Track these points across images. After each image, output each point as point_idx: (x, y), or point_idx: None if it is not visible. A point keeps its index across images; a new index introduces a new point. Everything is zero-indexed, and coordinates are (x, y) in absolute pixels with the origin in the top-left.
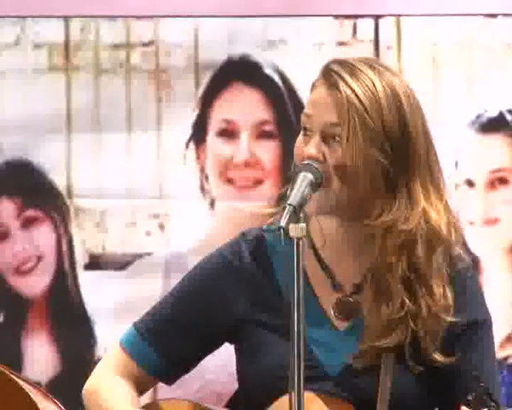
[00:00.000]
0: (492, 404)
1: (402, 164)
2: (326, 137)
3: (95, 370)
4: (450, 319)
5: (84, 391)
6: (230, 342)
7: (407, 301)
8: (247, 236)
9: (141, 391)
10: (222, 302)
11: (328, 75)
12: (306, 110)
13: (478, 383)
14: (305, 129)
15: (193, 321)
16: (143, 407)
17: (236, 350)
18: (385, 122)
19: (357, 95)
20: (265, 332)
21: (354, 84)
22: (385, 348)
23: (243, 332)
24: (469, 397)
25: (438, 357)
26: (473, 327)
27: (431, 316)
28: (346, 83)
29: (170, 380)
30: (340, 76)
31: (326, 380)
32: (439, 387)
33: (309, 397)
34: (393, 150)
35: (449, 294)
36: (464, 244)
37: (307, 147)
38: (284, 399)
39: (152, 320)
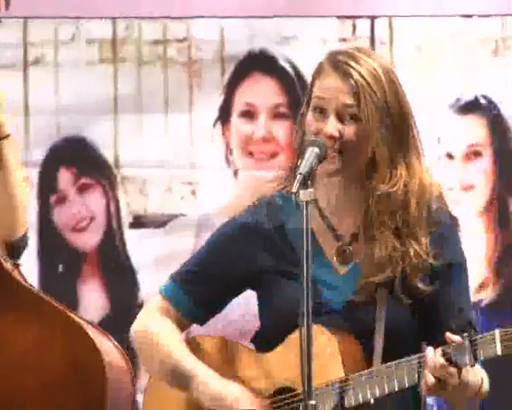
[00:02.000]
0: (471, 330)
1: (400, 137)
2: (341, 117)
3: (138, 316)
4: (432, 261)
5: (133, 332)
6: (252, 289)
7: (397, 246)
8: (262, 201)
9: (180, 330)
10: (243, 257)
11: (337, 65)
12: (321, 94)
13: (460, 313)
14: (321, 110)
15: (219, 274)
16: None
17: (258, 295)
18: (387, 98)
19: (366, 80)
20: (279, 278)
21: (361, 70)
22: (379, 284)
23: (262, 280)
24: (453, 326)
25: (421, 286)
26: (452, 267)
27: (417, 258)
28: (355, 70)
29: (201, 321)
30: (348, 65)
31: (331, 314)
32: (424, 317)
33: (317, 329)
34: (394, 126)
35: (432, 240)
36: (444, 201)
37: (326, 126)
38: (294, 335)
39: (186, 273)
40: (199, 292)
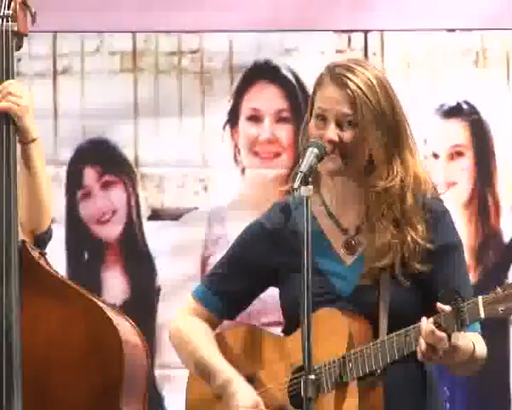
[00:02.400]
0: (458, 298)
1: (395, 139)
2: (340, 124)
3: (176, 315)
4: (428, 245)
5: (170, 333)
6: (274, 286)
7: (396, 234)
8: (277, 206)
9: (212, 328)
10: (262, 258)
11: (336, 77)
12: (321, 104)
13: (448, 284)
14: (322, 117)
15: (244, 275)
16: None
17: (279, 289)
18: (381, 104)
19: (362, 90)
20: (293, 274)
21: (358, 81)
22: (381, 269)
23: (279, 276)
24: (439, 294)
25: (419, 267)
26: (446, 249)
27: (414, 243)
28: (353, 82)
29: (231, 317)
30: (345, 76)
31: (341, 300)
32: (424, 296)
33: (330, 313)
34: (388, 129)
35: (427, 226)
36: (436, 191)
37: (327, 132)
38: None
39: (214, 275)
40: (226, 292)
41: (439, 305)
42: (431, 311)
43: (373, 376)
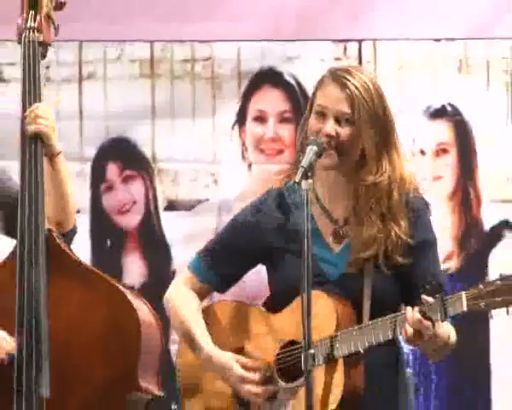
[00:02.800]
0: (441, 291)
1: (385, 138)
2: (338, 121)
3: (171, 285)
4: (409, 239)
5: (164, 299)
6: (262, 264)
7: (381, 228)
8: (271, 192)
9: (201, 298)
10: (256, 238)
11: (336, 78)
12: (322, 102)
13: (432, 280)
14: (322, 113)
15: (236, 251)
16: (203, 309)
17: (267, 268)
18: (375, 106)
19: (360, 92)
20: (285, 255)
21: (356, 83)
22: (366, 259)
23: (271, 256)
24: (427, 287)
25: (400, 259)
26: (424, 244)
27: (397, 238)
28: (352, 84)
29: (222, 290)
30: (345, 78)
31: (329, 284)
32: (404, 285)
33: (318, 295)
34: (380, 129)
35: (409, 223)
36: (418, 191)
37: (325, 127)
38: (298, 299)
39: (209, 250)
40: (219, 266)
41: (423, 297)
42: (408, 300)
43: (357, 355)
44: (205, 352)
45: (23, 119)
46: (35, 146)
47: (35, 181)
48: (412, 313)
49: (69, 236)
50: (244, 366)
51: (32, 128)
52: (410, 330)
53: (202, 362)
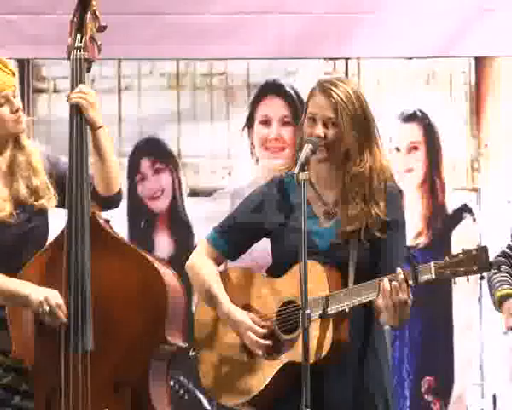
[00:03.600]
0: (414, 262)
1: (365, 136)
2: (326, 124)
3: (192, 254)
4: (385, 218)
5: (186, 265)
6: (266, 237)
7: (364, 208)
8: (275, 179)
9: (217, 264)
10: (260, 215)
11: (323, 89)
12: (312, 110)
13: (411, 257)
14: (313, 120)
15: (245, 226)
16: (220, 272)
17: (270, 241)
18: (356, 112)
19: (342, 99)
20: (284, 229)
21: (339, 93)
22: (350, 233)
23: (273, 230)
24: (410, 264)
25: (377, 234)
26: (396, 223)
27: (376, 216)
28: (335, 92)
29: (233, 258)
30: (330, 89)
31: (320, 254)
32: (380, 254)
33: (311, 263)
34: (361, 128)
35: (385, 205)
36: (393, 179)
37: (316, 130)
38: (296, 267)
39: (223, 225)
40: (230, 238)
41: (400, 271)
42: (381, 264)
43: (343, 312)
44: (222, 307)
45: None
46: (78, 116)
47: (80, 148)
48: (396, 277)
49: (116, 198)
50: (254, 321)
51: (72, 100)
52: (387, 287)
53: (220, 316)
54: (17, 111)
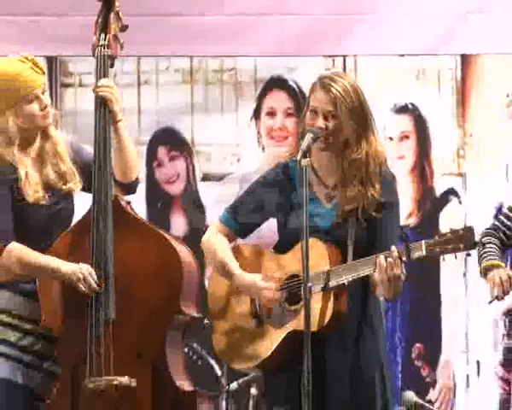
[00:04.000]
0: (408, 241)
1: (362, 126)
2: (326, 116)
3: (207, 231)
4: (380, 199)
5: (202, 242)
6: (273, 217)
7: (361, 189)
8: (279, 165)
9: (229, 241)
10: (268, 197)
11: (323, 85)
12: (313, 104)
13: (404, 236)
14: (315, 112)
15: (253, 207)
16: (232, 248)
17: (277, 221)
18: (354, 104)
19: (340, 93)
20: (289, 210)
21: (338, 87)
22: (349, 212)
23: (278, 211)
24: (403, 243)
25: (373, 213)
26: (391, 204)
27: (372, 197)
28: (334, 87)
29: (243, 237)
30: (330, 84)
31: (320, 232)
32: (375, 235)
33: (313, 241)
34: (358, 119)
35: (380, 187)
36: (387, 164)
37: (317, 122)
38: (299, 244)
39: (234, 206)
40: (240, 217)
41: (394, 248)
42: (376, 241)
43: (343, 285)
44: (235, 276)
45: (95, 91)
46: (103, 108)
47: (104, 137)
48: (390, 254)
49: (134, 184)
50: (263, 279)
51: (99, 92)
52: (383, 263)
53: (233, 283)
54: (45, 108)
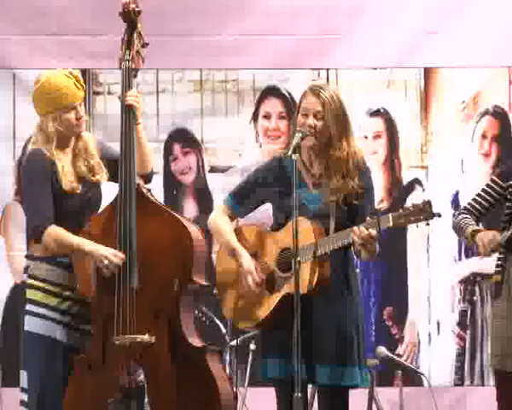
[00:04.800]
0: (378, 214)
1: (343, 128)
2: (315, 117)
3: (213, 211)
4: (359, 190)
5: (208, 220)
6: (268, 201)
7: (342, 181)
8: (274, 157)
9: (231, 220)
10: (264, 184)
11: (313, 91)
12: (305, 106)
13: (374, 213)
14: (305, 114)
15: (252, 192)
16: (235, 229)
17: (271, 203)
18: (338, 109)
19: (328, 99)
20: (282, 195)
21: (326, 94)
22: (332, 200)
23: (273, 196)
24: (373, 216)
25: (354, 201)
26: (368, 191)
27: (352, 187)
28: (323, 93)
29: (243, 216)
30: (319, 91)
31: (309, 214)
32: (354, 215)
33: (302, 220)
34: (340, 122)
35: (358, 178)
36: (364, 159)
37: (308, 121)
38: (290, 223)
39: (236, 191)
40: (242, 201)
41: (367, 218)
42: (355, 222)
43: (326, 254)
44: (236, 251)
45: (123, 99)
46: (129, 114)
47: (129, 136)
48: (365, 224)
49: (150, 174)
50: (256, 269)
51: (129, 101)
52: (363, 231)
53: (233, 258)
54: (80, 118)
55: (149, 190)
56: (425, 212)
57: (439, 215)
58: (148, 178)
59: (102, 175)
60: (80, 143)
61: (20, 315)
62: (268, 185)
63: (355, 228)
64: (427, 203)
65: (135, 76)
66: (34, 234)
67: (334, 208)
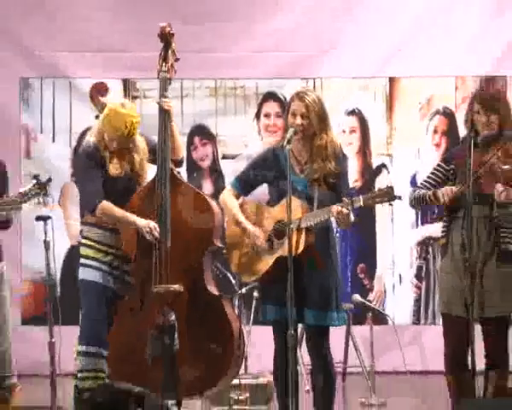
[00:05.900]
0: (352, 196)
1: (324, 124)
2: (302, 117)
3: (223, 192)
4: (335, 170)
5: (220, 199)
6: (265, 183)
7: (323, 164)
8: (270, 148)
9: (237, 199)
10: (262, 171)
11: (299, 96)
12: (293, 108)
13: (350, 193)
14: (294, 115)
15: (252, 177)
16: (240, 204)
17: (268, 185)
18: (319, 109)
19: (311, 103)
20: (276, 181)
21: (309, 98)
22: (315, 179)
23: (269, 179)
24: (348, 197)
25: (332, 181)
26: (344, 174)
27: (330, 170)
28: (307, 98)
29: (245, 195)
30: (304, 96)
31: (297, 192)
32: (333, 193)
33: (293, 198)
34: (321, 119)
35: (336, 163)
36: (341, 148)
37: (296, 120)
38: (283, 200)
39: (240, 176)
40: (244, 183)
41: (344, 199)
42: (333, 200)
43: (311, 226)
44: (242, 224)
45: (161, 103)
46: (165, 115)
47: (165, 132)
48: (337, 207)
49: (180, 160)
50: (259, 231)
51: (165, 106)
52: (340, 210)
53: (241, 229)
54: (132, 135)
55: (179, 173)
56: (388, 194)
57: (400, 198)
58: (179, 163)
59: (142, 169)
60: (131, 144)
61: (75, 269)
62: (264, 170)
63: (333, 207)
64: (391, 188)
65: (170, 83)
66: (90, 208)
67: (318, 188)
